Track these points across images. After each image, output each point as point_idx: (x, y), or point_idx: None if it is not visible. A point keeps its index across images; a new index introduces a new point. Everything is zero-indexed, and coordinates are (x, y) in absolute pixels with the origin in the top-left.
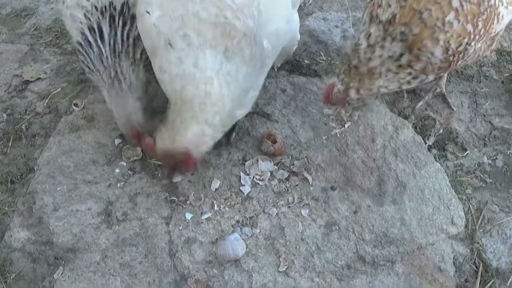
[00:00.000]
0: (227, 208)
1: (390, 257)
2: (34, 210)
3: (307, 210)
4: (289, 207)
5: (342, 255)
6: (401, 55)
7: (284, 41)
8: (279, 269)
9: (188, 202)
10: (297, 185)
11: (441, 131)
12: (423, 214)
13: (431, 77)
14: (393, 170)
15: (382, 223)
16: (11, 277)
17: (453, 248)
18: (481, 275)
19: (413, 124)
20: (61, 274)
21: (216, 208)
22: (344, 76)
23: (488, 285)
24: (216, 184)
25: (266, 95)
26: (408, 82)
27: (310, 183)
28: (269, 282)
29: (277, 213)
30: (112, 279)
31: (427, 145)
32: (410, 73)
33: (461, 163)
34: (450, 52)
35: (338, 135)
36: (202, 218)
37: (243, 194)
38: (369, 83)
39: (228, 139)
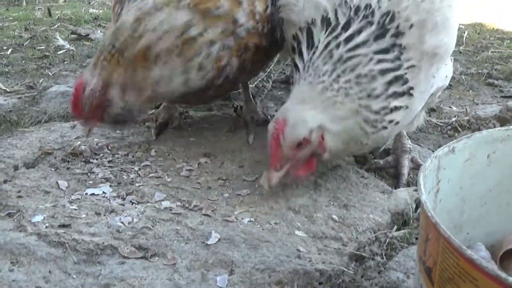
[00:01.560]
0: None
1: None
2: None
3: None
4: None
5: None
6: (189, 24)
7: None
8: None
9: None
10: None
11: None
12: None
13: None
14: None
15: None
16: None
17: None
18: None
19: None
20: None
21: None
22: (101, 68)
23: None
24: None
25: None
26: (202, 70)
27: None
28: None
29: None
30: None
31: None
32: (206, 55)
33: None
34: (257, 17)
35: None
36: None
37: None
38: (142, 75)
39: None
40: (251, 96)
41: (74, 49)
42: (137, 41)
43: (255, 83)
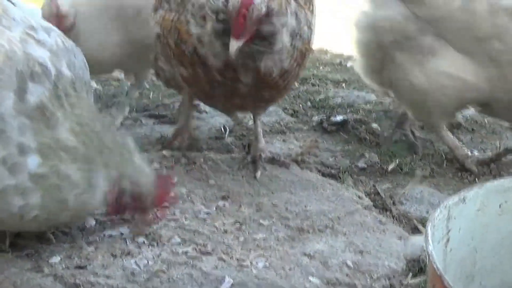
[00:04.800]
0: None
1: None
2: None
3: None
4: None
5: None
6: None
7: None
8: None
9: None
10: None
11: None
12: None
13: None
14: None
15: None
16: None
17: None
18: None
19: None
20: None
21: None
22: None
23: None
24: None
25: None
26: None
27: None
28: None
29: None
30: None
31: None
32: None
33: None
34: None
35: None
36: None
37: None
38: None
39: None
40: (261, 134)
41: (101, 88)
42: None
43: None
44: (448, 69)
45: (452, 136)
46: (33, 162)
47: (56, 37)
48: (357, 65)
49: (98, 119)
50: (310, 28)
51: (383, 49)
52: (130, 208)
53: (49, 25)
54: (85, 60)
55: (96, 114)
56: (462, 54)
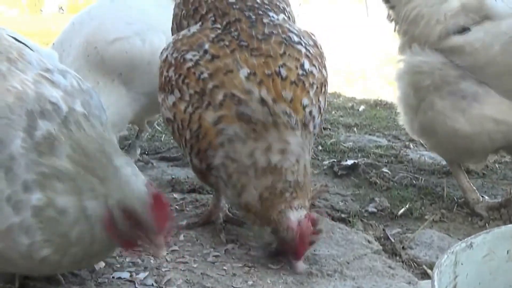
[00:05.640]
0: None
1: None
2: None
3: None
4: None
5: None
6: None
7: None
8: None
9: None
10: None
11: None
12: None
13: None
14: None
15: None
16: None
17: None
18: None
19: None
20: None
21: None
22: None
23: None
24: None
25: None
26: None
27: None
28: None
29: None
30: None
31: None
32: None
33: None
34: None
35: None
36: None
37: None
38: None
39: None
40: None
41: None
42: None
43: None
44: (493, 113)
45: (467, 179)
46: (35, 197)
47: (72, 79)
48: (401, 118)
49: (99, 150)
50: (321, 113)
51: (421, 94)
52: (135, 234)
53: (66, 68)
54: (102, 102)
55: (100, 146)
56: (506, 98)
